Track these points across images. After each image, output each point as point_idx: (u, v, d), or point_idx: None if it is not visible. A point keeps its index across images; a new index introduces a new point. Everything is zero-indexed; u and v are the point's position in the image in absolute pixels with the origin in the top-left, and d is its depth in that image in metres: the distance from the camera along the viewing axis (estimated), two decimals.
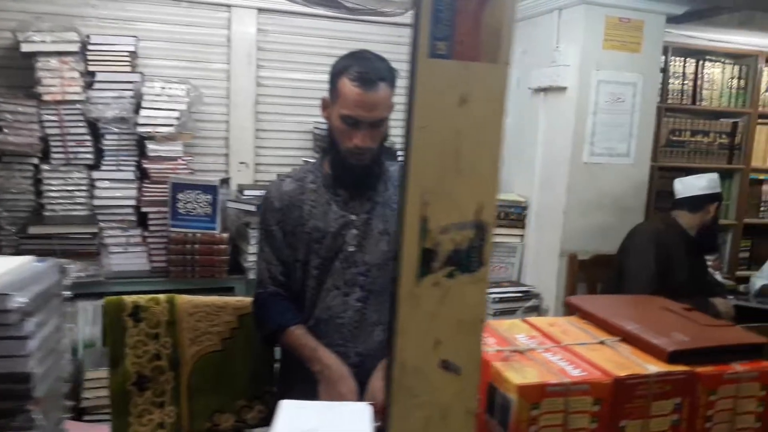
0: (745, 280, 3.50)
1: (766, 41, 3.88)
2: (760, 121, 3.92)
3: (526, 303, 2.96)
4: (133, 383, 1.69)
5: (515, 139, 3.25)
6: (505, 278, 3.15)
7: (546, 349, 1.33)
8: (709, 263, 3.70)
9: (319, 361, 1.48)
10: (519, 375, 1.18)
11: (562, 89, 2.85)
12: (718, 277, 3.33)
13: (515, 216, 3.14)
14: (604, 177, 2.88)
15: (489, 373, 1.23)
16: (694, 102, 3.76)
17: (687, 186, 2.70)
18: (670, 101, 3.69)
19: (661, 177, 3.75)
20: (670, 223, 2.68)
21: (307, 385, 1.49)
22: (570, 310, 1.58)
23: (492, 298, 2.89)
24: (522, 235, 3.15)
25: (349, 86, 1.47)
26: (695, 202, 2.64)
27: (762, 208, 4.08)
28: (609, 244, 2.80)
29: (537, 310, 3.00)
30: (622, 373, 1.20)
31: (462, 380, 0.99)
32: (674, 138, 3.74)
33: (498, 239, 3.12)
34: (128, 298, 1.71)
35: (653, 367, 1.24)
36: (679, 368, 1.24)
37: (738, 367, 1.28)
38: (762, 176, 4.02)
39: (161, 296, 1.72)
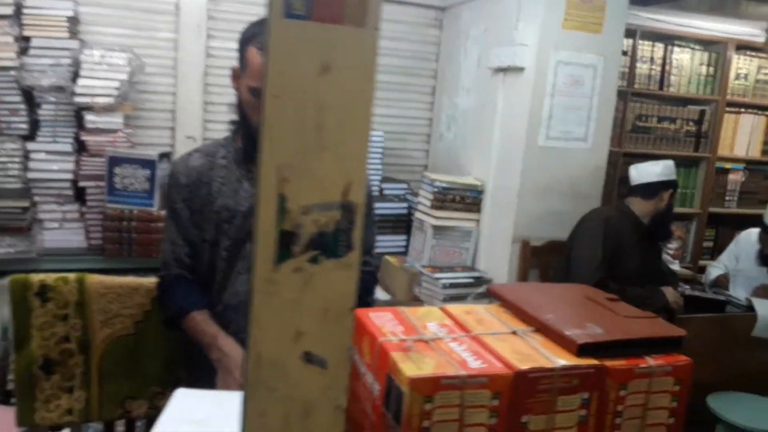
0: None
1: (736, 28, 3.81)
2: (728, 109, 3.87)
3: (477, 289, 2.90)
4: (39, 366, 1.61)
5: (475, 120, 3.17)
6: (459, 263, 3.09)
7: (454, 338, 1.26)
8: (670, 252, 3.67)
9: (219, 349, 1.40)
10: (415, 366, 1.11)
11: (520, 70, 2.76)
12: (676, 266, 3.29)
13: (471, 200, 3.06)
14: (560, 161, 2.81)
15: (387, 364, 1.16)
16: (661, 87, 3.69)
17: (642, 172, 2.64)
18: (637, 86, 3.62)
19: (626, 163, 3.68)
20: (623, 210, 2.62)
21: (212, 372, 1.42)
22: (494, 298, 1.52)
23: (442, 284, 2.82)
24: (478, 220, 3.08)
25: (256, 56, 1.38)
26: (649, 189, 2.58)
27: (727, 198, 4.04)
28: (563, 231, 2.74)
29: (488, 296, 2.94)
30: (526, 366, 1.14)
31: (329, 374, 0.91)
32: (640, 124, 3.68)
33: (453, 223, 3.05)
34: (35, 277, 1.62)
35: (561, 360, 1.18)
36: (587, 362, 1.18)
37: (651, 361, 1.22)
38: (728, 165, 3.97)
39: (71, 275, 1.63)
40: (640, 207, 2.60)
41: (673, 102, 3.77)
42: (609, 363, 1.20)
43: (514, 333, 1.31)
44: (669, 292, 2.54)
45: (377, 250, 3.15)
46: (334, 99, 0.82)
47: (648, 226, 2.59)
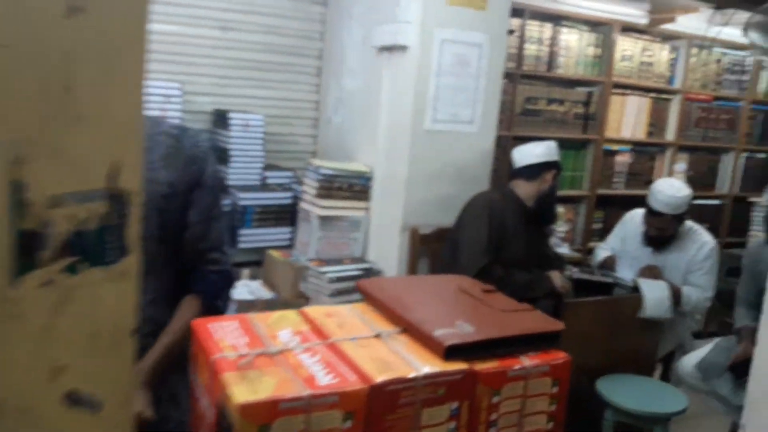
0: None
1: (621, 9, 3.85)
2: (614, 91, 3.91)
3: None
4: None
5: (362, 103, 3.00)
6: (348, 255, 2.93)
7: (306, 348, 1.09)
8: (561, 235, 3.67)
9: None
10: (249, 389, 0.92)
11: (404, 48, 2.62)
12: (565, 249, 3.29)
13: (359, 187, 2.90)
14: (447, 145, 2.70)
15: (218, 388, 0.97)
16: (550, 69, 3.68)
17: (524, 154, 2.57)
18: (526, 68, 3.58)
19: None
20: (506, 193, 2.54)
21: None
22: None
23: (329, 278, 2.65)
24: (367, 209, 2.93)
25: None
26: (532, 171, 2.51)
27: (615, 180, 4.11)
28: (452, 217, 2.63)
29: None
30: (383, 377, 0.98)
31: (105, 419, 0.71)
32: (530, 107, 3.65)
33: (340, 213, 2.88)
34: None
35: (426, 366, 1.03)
36: (456, 366, 1.04)
37: (526, 361, 1.10)
38: (615, 147, 4.03)
39: None
40: (523, 189, 2.53)
41: (561, 84, 3.77)
42: (480, 366, 1.06)
43: (377, 336, 1.15)
44: (556, 277, 2.49)
45: (259, 245, 2.98)
46: (88, 51, 0.61)
47: (532, 209, 2.52)
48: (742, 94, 4.43)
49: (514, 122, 3.59)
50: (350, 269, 2.77)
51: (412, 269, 2.74)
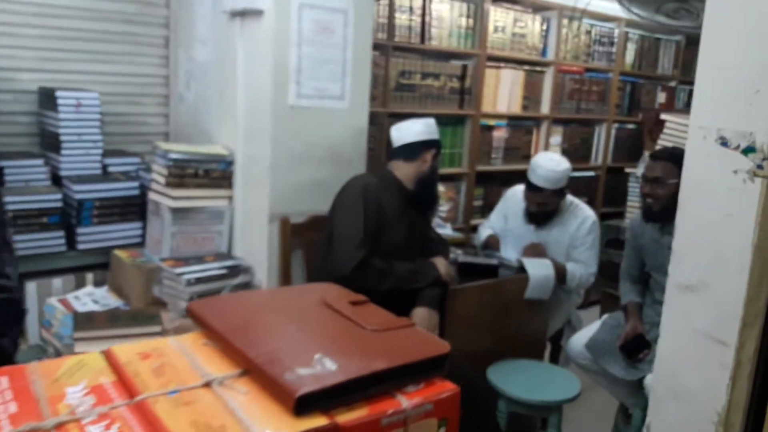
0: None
1: None
2: (488, 64, 3.79)
3: (233, 280, 2.43)
4: None
5: (216, 77, 2.64)
6: (211, 251, 2.58)
7: (101, 415, 0.77)
8: (442, 215, 3.51)
9: None
10: None
11: (259, 13, 2.28)
12: (448, 230, 3.12)
13: (219, 173, 2.55)
14: (316, 123, 2.41)
15: None
16: (423, 41, 3.47)
17: (402, 132, 2.34)
18: (398, 39, 3.35)
19: (393, 124, 3.43)
20: (384, 176, 2.30)
21: None
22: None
23: (186, 280, 2.29)
24: (230, 197, 2.59)
25: None
26: (411, 150, 2.29)
27: (493, 155, 4.01)
28: (326, 203, 2.35)
29: (249, 286, 2.49)
30: None
31: None
32: (404, 81, 3.43)
33: (198, 203, 2.51)
34: None
35: (268, 429, 0.75)
36: (310, 424, 0.77)
37: (405, 400, 0.84)
38: (492, 122, 3.92)
39: None
40: (402, 171, 2.30)
41: (435, 57, 3.58)
42: (345, 417, 0.80)
43: (207, 385, 0.86)
44: (441, 263, 2.30)
45: (103, 244, 2.52)
46: None
47: (412, 192, 2.30)
48: (611, 65, 4.48)
49: (389, 98, 3.36)
50: (213, 268, 2.43)
51: (285, 264, 2.44)
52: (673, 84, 4.99)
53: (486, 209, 3.99)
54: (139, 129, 2.96)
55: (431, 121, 2.36)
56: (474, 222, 3.91)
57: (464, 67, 3.67)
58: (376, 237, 2.13)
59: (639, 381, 2.46)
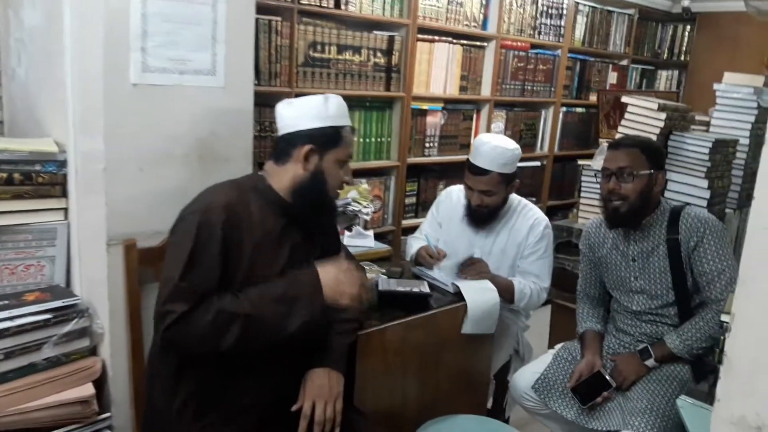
0: (413, 230, 2.74)
1: None
2: (420, 36, 3.18)
3: (64, 328, 1.74)
4: None
5: (44, 45, 1.93)
6: (38, 285, 1.88)
7: None
8: (366, 216, 2.89)
9: None
10: None
11: None
12: (370, 241, 2.50)
13: (47, 178, 1.84)
14: (173, 108, 1.74)
15: None
16: (338, 5, 2.82)
17: (283, 116, 1.61)
18: (305, 1, 2.69)
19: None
20: (255, 185, 1.60)
21: None
22: None
23: None
24: (65, 209, 1.89)
25: None
26: (286, 146, 1.57)
27: (427, 145, 3.41)
28: None
29: (87, 334, 1.81)
30: None
31: None
32: (316, 54, 2.78)
33: (15, 220, 1.81)
34: None
35: None
36: None
37: None
38: (425, 105, 3.32)
39: None
40: (275, 177, 1.52)
41: (355, 26, 2.94)
42: None
43: None
44: (329, 271, 1.50)
45: None
46: None
47: (290, 205, 1.60)
48: (560, 41, 3.94)
49: (296, 75, 2.71)
50: (29, 313, 1.73)
51: (133, 304, 1.78)
52: (625, 63, 4.51)
53: (420, 207, 3.42)
54: None
55: (333, 100, 1.59)
56: (406, 223, 3.33)
57: (391, 40, 3.04)
58: (232, 278, 1.44)
59: None
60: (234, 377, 1.43)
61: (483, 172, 2.22)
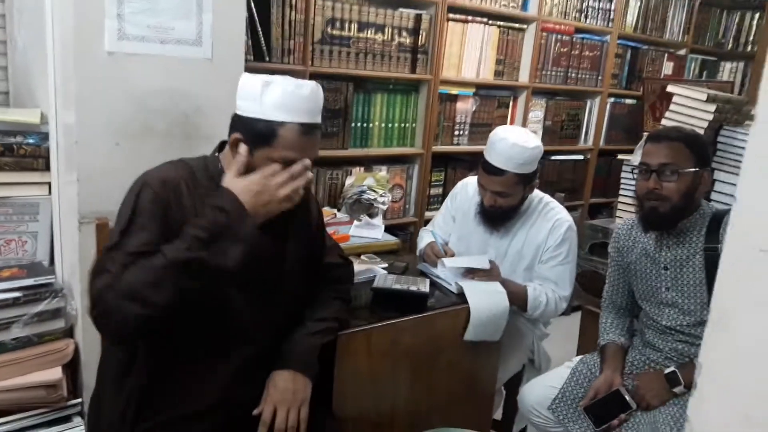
0: None
1: None
2: (450, 16, 2.97)
3: (36, 307, 1.66)
4: None
5: (32, 11, 1.84)
6: (16, 261, 1.81)
7: None
8: (382, 207, 2.73)
9: None
10: None
11: None
12: (378, 233, 2.33)
13: (29, 150, 1.77)
14: (153, 81, 1.62)
15: None
16: None
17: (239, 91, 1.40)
18: None
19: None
20: (205, 165, 1.35)
21: None
22: None
23: None
24: (48, 184, 1.81)
25: None
26: (231, 125, 1.31)
27: (457, 132, 3.22)
28: None
29: (62, 315, 1.72)
30: None
31: None
32: (335, 32, 2.62)
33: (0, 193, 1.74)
34: None
35: None
36: None
37: None
38: (455, 90, 3.12)
39: None
40: (227, 163, 1.35)
41: (379, 2, 2.77)
42: None
43: None
44: (240, 184, 1.25)
45: None
46: None
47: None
48: (609, 26, 3.66)
49: (312, 53, 2.56)
50: (3, 288, 1.65)
51: None
52: (682, 52, 4.16)
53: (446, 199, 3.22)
54: None
55: (275, 87, 1.26)
56: (429, 214, 3.14)
57: (418, 18, 2.85)
58: None
59: None
60: (184, 378, 1.30)
61: (498, 171, 2.01)
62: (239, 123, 1.29)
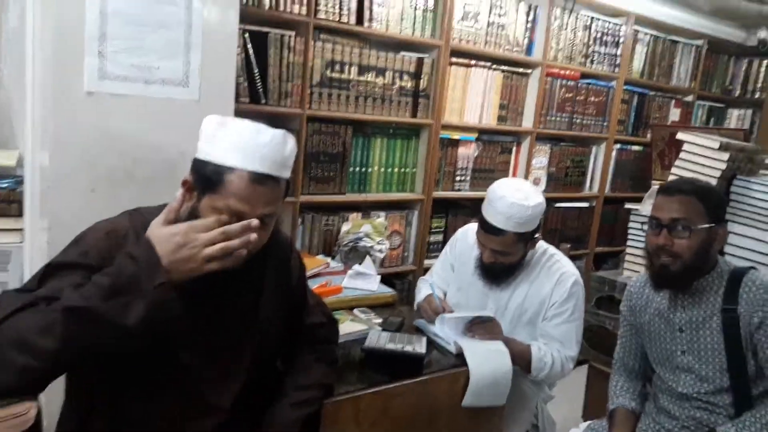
0: None
1: None
2: (453, 60, 2.91)
3: None
4: None
5: (18, 46, 1.77)
6: None
7: None
8: (380, 254, 2.61)
9: None
10: None
11: None
12: (373, 284, 2.20)
13: (5, 194, 1.67)
14: (135, 123, 1.53)
15: None
16: (360, 22, 2.59)
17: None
18: (322, 17, 2.46)
19: (315, 132, 2.56)
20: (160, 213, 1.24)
21: None
22: None
23: None
24: (21, 230, 1.70)
25: None
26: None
27: (459, 178, 3.12)
28: None
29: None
30: None
31: None
32: (334, 75, 2.54)
33: None
34: None
35: None
36: None
37: None
38: (457, 135, 3.03)
39: None
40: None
41: (380, 45, 2.70)
42: None
43: None
44: (161, 234, 1.07)
45: None
46: None
47: None
48: (615, 71, 3.59)
49: (310, 96, 2.48)
50: None
51: None
52: (690, 98, 4.09)
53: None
54: None
55: (232, 128, 1.15)
56: (429, 262, 3.02)
57: (420, 62, 2.78)
58: None
59: None
60: None
61: (496, 231, 1.89)
62: (193, 165, 1.17)
